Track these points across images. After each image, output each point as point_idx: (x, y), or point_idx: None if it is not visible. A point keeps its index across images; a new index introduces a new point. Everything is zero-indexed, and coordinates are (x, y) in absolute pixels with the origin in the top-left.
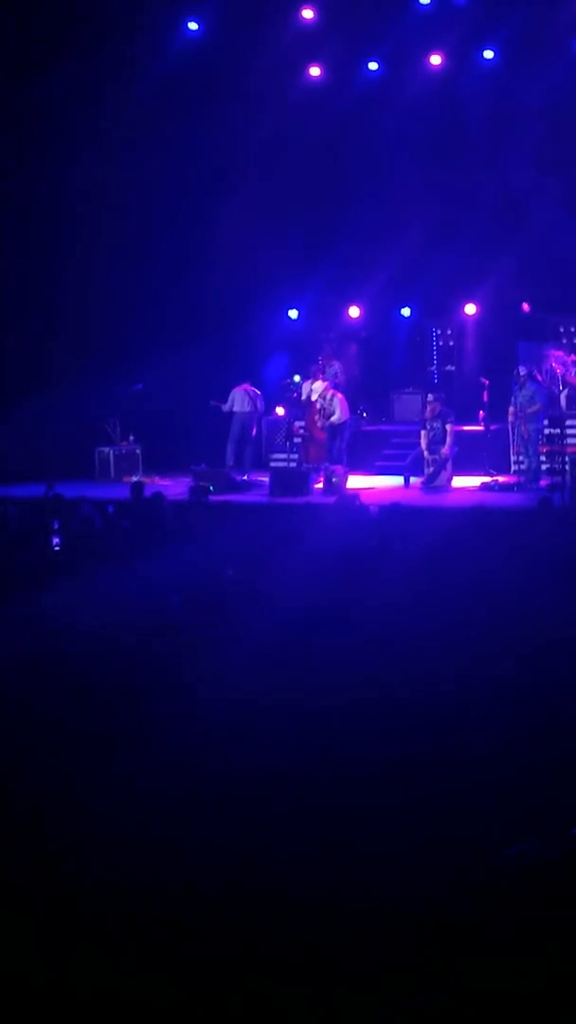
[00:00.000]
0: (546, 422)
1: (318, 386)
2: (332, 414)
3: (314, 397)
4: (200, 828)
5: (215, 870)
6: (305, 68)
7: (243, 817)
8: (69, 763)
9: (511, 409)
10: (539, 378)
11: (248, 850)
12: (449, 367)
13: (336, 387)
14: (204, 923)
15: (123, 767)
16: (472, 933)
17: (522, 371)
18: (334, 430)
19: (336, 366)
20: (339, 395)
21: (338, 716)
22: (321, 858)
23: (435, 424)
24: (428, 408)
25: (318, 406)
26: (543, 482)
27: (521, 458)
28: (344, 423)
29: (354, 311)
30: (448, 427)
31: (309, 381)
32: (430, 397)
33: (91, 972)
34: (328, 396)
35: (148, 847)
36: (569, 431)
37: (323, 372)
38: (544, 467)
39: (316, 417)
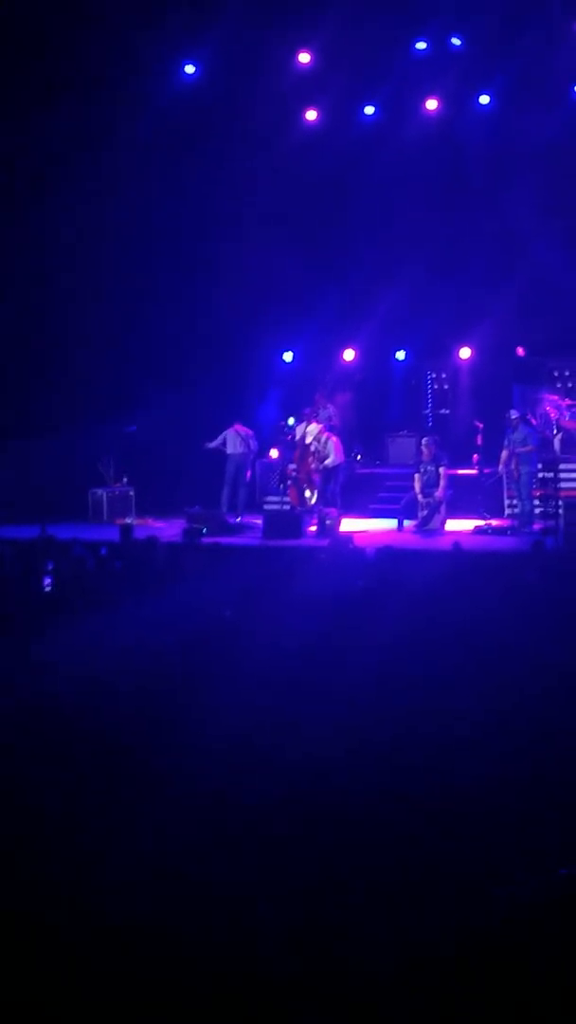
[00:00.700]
0: (540, 465)
1: (312, 428)
2: (326, 457)
3: (308, 440)
4: (198, 866)
5: (213, 905)
6: (302, 111)
7: (240, 856)
8: (65, 804)
9: (504, 453)
10: (533, 422)
11: (246, 886)
12: (444, 410)
13: (331, 430)
14: (202, 959)
15: (119, 808)
16: (461, 969)
17: (514, 414)
18: (328, 473)
19: (330, 409)
20: (333, 438)
21: (335, 755)
22: (316, 895)
23: (429, 467)
24: (423, 451)
25: (312, 448)
26: (536, 526)
27: (515, 501)
28: (338, 466)
29: (349, 354)
30: (442, 470)
31: (303, 423)
32: (425, 440)
33: (92, 1014)
34: (323, 439)
35: (145, 887)
36: (563, 475)
37: (317, 415)
38: (538, 511)
39: (310, 459)
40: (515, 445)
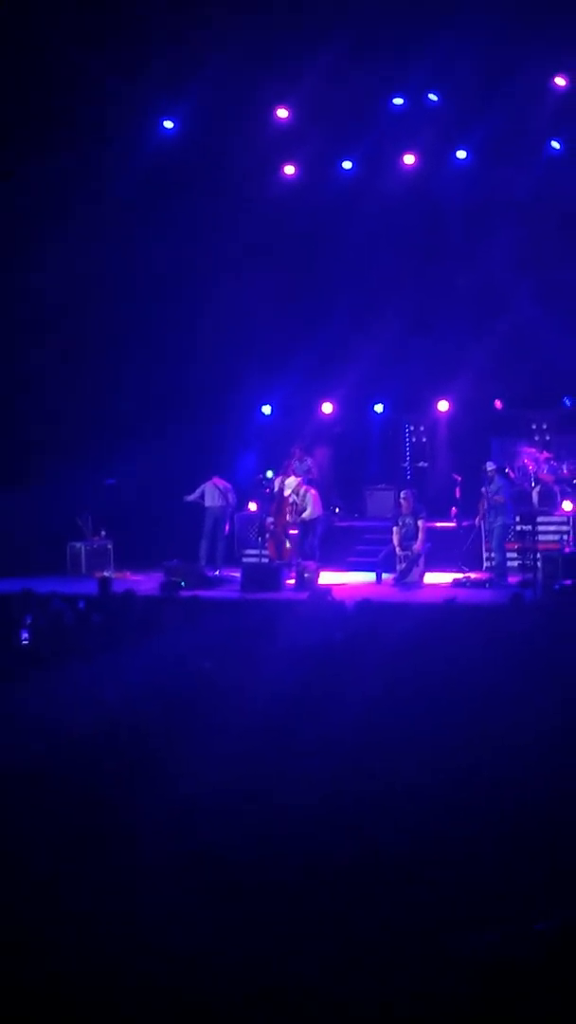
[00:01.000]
0: (517, 518)
1: (291, 481)
2: (304, 510)
3: (287, 492)
4: (174, 920)
5: (195, 968)
6: (281, 166)
7: (216, 908)
8: (41, 857)
9: (481, 506)
10: (511, 475)
11: (223, 938)
12: (422, 463)
13: (309, 483)
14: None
15: (95, 861)
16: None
17: (490, 466)
18: (306, 526)
19: (308, 462)
20: (312, 491)
21: (314, 810)
22: (293, 947)
23: (408, 520)
24: (402, 503)
25: (291, 501)
26: (512, 579)
27: (493, 554)
28: (316, 519)
29: (327, 407)
30: (420, 523)
31: (281, 476)
32: (404, 493)
33: None
34: (301, 492)
35: (121, 943)
36: (541, 528)
37: (295, 467)
38: (515, 563)
39: (287, 511)
40: (491, 496)
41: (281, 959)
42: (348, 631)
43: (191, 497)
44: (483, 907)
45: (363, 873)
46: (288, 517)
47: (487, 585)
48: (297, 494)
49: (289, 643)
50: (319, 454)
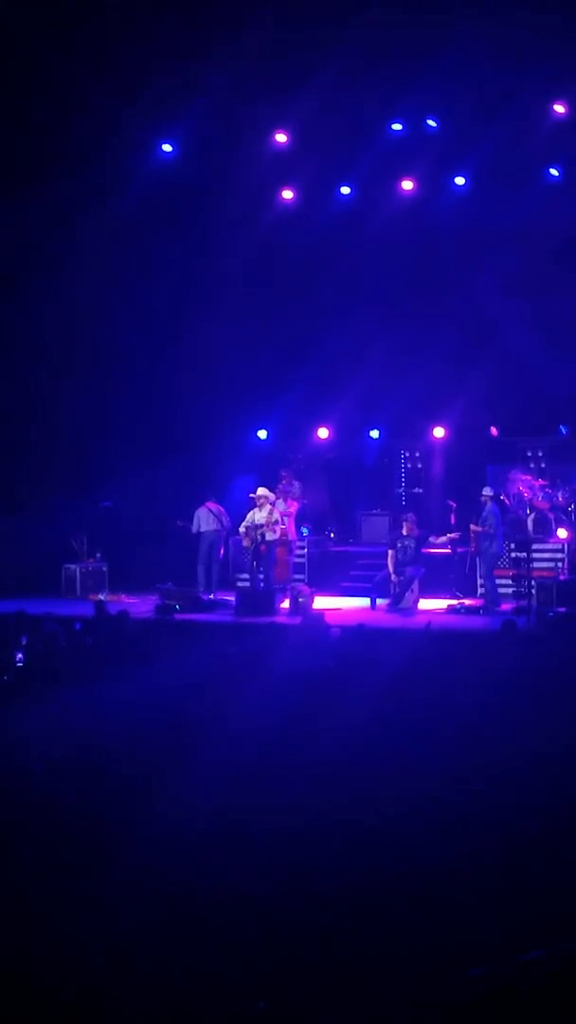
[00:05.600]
0: (512, 545)
1: (281, 504)
2: (275, 523)
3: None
4: (166, 950)
5: (181, 992)
6: (278, 191)
7: (210, 938)
8: (34, 880)
9: (474, 531)
10: (507, 502)
11: (215, 972)
12: (417, 489)
13: (300, 507)
14: None
15: (89, 886)
16: None
17: (486, 492)
18: (265, 546)
19: (297, 485)
20: (278, 513)
21: (304, 837)
22: (286, 980)
23: (408, 542)
24: (404, 526)
25: (273, 520)
26: (504, 606)
27: (483, 581)
28: (273, 543)
29: (323, 432)
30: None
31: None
32: (409, 515)
33: None
34: (274, 512)
35: (112, 970)
36: (536, 555)
37: (286, 491)
38: (510, 590)
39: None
40: (481, 523)
41: (272, 988)
42: (338, 657)
43: (193, 528)
44: (471, 938)
45: (355, 902)
46: (250, 536)
47: (480, 611)
48: (271, 507)
49: (282, 668)
50: (314, 479)
